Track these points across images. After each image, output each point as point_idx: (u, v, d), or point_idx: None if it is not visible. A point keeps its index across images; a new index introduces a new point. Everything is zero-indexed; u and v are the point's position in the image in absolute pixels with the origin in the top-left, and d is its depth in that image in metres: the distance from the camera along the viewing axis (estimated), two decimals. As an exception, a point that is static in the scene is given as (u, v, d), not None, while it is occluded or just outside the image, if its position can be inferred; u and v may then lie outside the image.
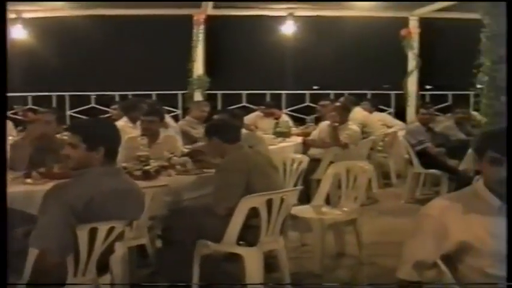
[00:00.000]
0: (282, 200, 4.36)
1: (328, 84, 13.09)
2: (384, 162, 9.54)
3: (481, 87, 5.16)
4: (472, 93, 11.18)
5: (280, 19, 11.73)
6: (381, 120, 10.41)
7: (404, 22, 12.07)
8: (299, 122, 10.90)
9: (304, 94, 12.83)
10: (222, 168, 4.64)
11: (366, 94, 12.39)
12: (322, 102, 9.57)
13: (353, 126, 7.90)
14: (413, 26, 11.99)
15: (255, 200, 4.21)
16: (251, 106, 11.77)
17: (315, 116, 9.60)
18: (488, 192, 2.67)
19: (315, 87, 13.15)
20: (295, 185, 5.88)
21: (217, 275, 4.92)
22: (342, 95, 11.39)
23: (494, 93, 5.04)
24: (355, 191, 5.55)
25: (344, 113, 7.89)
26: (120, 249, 3.80)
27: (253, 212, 4.28)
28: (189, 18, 11.59)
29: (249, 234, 4.37)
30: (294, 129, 9.45)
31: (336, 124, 7.68)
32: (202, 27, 11.60)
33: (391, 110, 13.10)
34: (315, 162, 7.11)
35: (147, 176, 4.93)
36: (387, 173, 9.57)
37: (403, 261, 2.72)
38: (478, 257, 2.60)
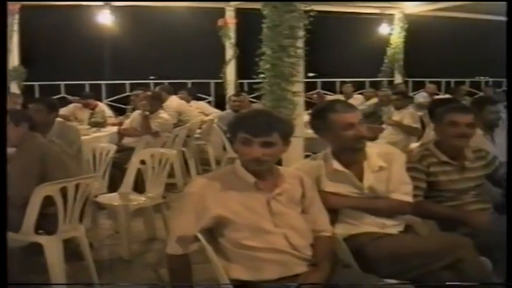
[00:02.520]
0: (77, 188, 4.41)
1: (149, 73, 13.18)
2: (202, 148, 9.77)
3: (263, 75, 5.45)
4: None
5: (96, 8, 11.62)
6: (199, 108, 10.66)
7: (221, 12, 12.39)
8: (119, 112, 10.92)
9: (125, 84, 12.81)
10: (15, 158, 4.60)
11: (186, 83, 12.63)
12: (135, 92, 9.68)
13: (164, 114, 8.05)
14: (230, 16, 12.32)
15: (49, 189, 4.22)
16: (69, 97, 11.60)
17: (132, 106, 9.64)
18: (244, 170, 2.93)
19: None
20: (104, 173, 5.97)
21: (28, 267, 4.88)
22: (162, 84, 11.53)
23: (275, 80, 5.35)
24: (160, 177, 5.72)
25: (155, 102, 8.01)
26: None
27: (52, 201, 4.30)
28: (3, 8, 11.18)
29: (48, 223, 4.38)
30: (112, 119, 9.48)
31: (146, 113, 7.79)
32: (17, 16, 11.22)
33: (211, 98, 13.44)
34: (130, 151, 7.20)
35: None
36: (207, 159, 9.81)
37: (170, 237, 2.92)
38: (236, 230, 2.85)
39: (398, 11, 13.98)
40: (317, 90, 14.13)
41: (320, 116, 3.42)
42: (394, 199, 3.43)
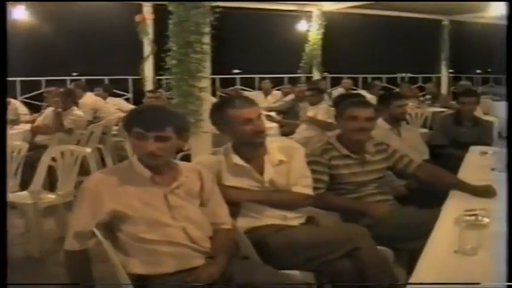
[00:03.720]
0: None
1: (69, 70, 12.99)
2: (120, 145, 9.69)
3: (171, 70, 5.49)
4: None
5: (11, 4, 11.32)
6: (116, 105, 10.57)
7: (139, 8, 12.29)
8: (34, 109, 10.71)
9: (41, 81, 12.54)
10: None
11: (103, 79, 12.49)
12: (47, 89, 9.54)
13: (78, 111, 7.95)
14: (148, 12, 12.23)
15: None
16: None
17: (46, 103, 9.47)
18: (140, 164, 2.96)
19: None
20: (16, 172, 5.88)
21: None
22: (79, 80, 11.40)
23: (181, 75, 5.40)
24: (71, 174, 5.68)
25: (67, 99, 7.89)
26: None
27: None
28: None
29: None
30: (26, 117, 9.30)
31: (59, 110, 7.68)
32: None
33: (129, 95, 13.34)
34: (43, 149, 7.08)
35: None
36: (125, 156, 9.72)
37: (67, 233, 2.92)
38: (133, 224, 2.86)
39: (316, 8, 14.16)
40: (235, 87, 14.24)
41: (219, 111, 3.48)
42: (294, 192, 3.53)
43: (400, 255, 3.60)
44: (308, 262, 3.24)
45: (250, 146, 3.44)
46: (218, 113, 3.48)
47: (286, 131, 8.96)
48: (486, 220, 3.07)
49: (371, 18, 15.69)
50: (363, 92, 12.05)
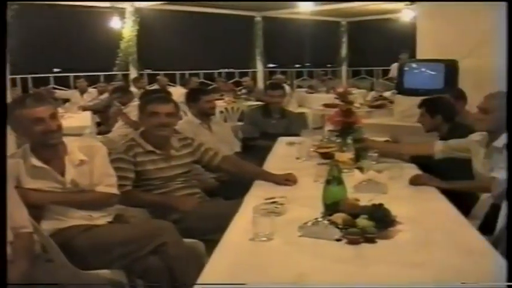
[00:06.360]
0: None
1: None
2: None
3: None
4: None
5: None
6: None
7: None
8: None
9: None
10: None
11: None
12: None
13: None
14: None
15: None
16: None
17: None
18: None
19: None
20: None
21: None
22: None
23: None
24: None
25: None
26: None
27: None
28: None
29: None
30: None
31: None
32: None
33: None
34: None
35: None
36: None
37: None
38: None
39: (130, 5, 14.07)
40: (48, 86, 13.79)
41: (11, 111, 3.36)
42: (98, 192, 3.50)
43: (211, 246, 3.67)
44: (117, 260, 3.25)
45: (47, 147, 3.36)
46: (10, 113, 3.37)
47: (104, 130, 8.86)
48: (284, 207, 3.22)
49: (187, 14, 15.82)
50: (180, 88, 12.16)
